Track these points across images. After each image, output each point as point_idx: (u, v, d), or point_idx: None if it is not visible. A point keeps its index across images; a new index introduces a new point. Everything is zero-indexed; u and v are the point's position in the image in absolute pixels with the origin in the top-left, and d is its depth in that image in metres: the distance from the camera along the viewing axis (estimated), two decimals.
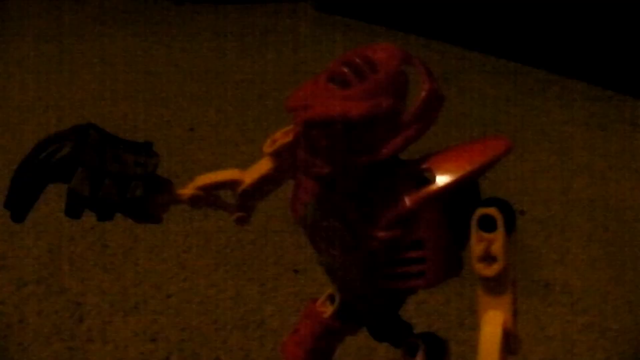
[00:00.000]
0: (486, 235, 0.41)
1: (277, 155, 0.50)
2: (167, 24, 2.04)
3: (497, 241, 0.40)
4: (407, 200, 0.41)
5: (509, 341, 0.42)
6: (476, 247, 0.41)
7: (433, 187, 0.41)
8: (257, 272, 0.92)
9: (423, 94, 0.41)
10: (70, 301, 0.86)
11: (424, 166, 0.42)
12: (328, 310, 0.52)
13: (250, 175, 0.53)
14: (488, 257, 0.41)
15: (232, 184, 0.53)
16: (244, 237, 0.98)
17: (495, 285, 0.41)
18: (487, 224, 0.41)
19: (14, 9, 2.17)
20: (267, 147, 0.50)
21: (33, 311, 0.84)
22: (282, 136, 0.49)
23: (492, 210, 0.40)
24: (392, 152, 0.40)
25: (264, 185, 0.53)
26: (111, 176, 0.50)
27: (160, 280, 0.90)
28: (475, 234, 0.41)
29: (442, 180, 0.41)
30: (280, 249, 0.96)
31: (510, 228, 0.41)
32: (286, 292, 0.88)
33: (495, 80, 1.66)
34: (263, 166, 0.52)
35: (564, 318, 0.86)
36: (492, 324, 0.41)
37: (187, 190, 0.54)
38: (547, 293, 0.90)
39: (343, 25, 2.07)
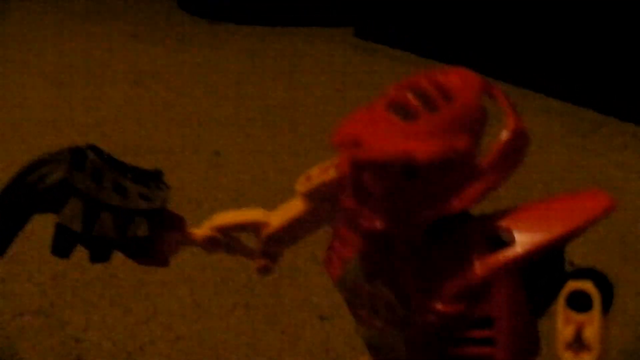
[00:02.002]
0: (578, 316, 0.31)
1: (312, 196, 0.42)
2: (200, 43, 1.98)
3: (592, 325, 0.31)
4: (478, 267, 0.32)
5: None
6: (564, 330, 0.31)
7: (511, 252, 0.32)
8: (279, 316, 0.83)
9: (507, 134, 0.32)
10: (70, 337, 0.78)
11: (500, 224, 0.33)
12: None
13: (278, 218, 0.44)
14: (578, 344, 0.31)
15: (255, 227, 0.45)
16: (267, 276, 0.89)
17: None
18: (579, 302, 0.31)
19: (42, 20, 2.13)
20: (301, 186, 0.42)
21: (27, 345, 0.76)
22: (319, 173, 0.40)
23: (587, 285, 0.31)
24: (465, 205, 0.31)
25: (293, 231, 0.44)
26: (109, 209, 0.41)
27: (170, 319, 0.81)
28: (563, 313, 0.32)
29: (523, 244, 0.32)
30: (306, 291, 0.87)
31: (607, 307, 0.32)
32: (310, 342, 0.79)
33: (543, 119, 1.57)
34: (294, 208, 0.43)
35: None
36: None
37: (202, 231, 0.45)
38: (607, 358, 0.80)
39: (383, 54, 1.99)
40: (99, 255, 0.43)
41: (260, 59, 1.87)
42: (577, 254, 1.01)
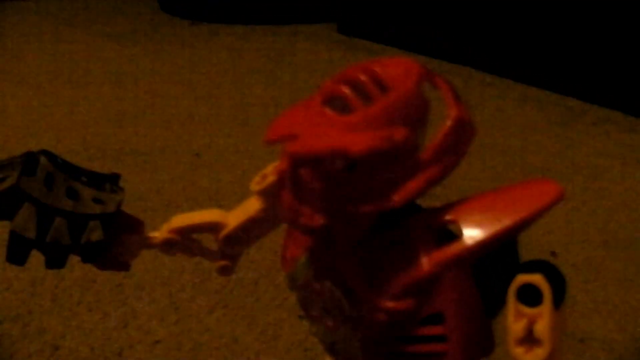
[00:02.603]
0: (528, 310, 0.31)
1: (267, 194, 0.41)
2: (181, 44, 1.97)
3: (543, 319, 0.30)
4: (425, 262, 0.31)
5: None
6: (515, 325, 0.31)
7: (459, 245, 0.31)
8: (258, 316, 0.82)
9: (448, 123, 0.31)
10: (48, 343, 0.77)
11: (447, 217, 0.32)
12: None
13: (235, 218, 0.44)
14: (530, 339, 0.31)
15: (213, 228, 0.44)
16: (246, 276, 0.89)
17: None
18: (530, 296, 0.31)
19: (21, 22, 2.12)
20: (256, 185, 0.41)
21: (5, 353, 0.76)
22: (274, 171, 0.40)
23: (536, 278, 0.30)
24: (406, 199, 0.30)
25: (251, 230, 0.43)
26: (63, 214, 0.40)
27: (149, 323, 0.81)
28: (513, 308, 0.31)
29: (471, 236, 0.31)
30: (285, 291, 0.86)
31: (559, 301, 0.31)
32: (288, 341, 0.78)
33: (524, 108, 1.56)
34: (250, 207, 0.43)
35: None
36: None
37: (160, 234, 0.45)
38: (584, 349, 0.80)
39: (365, 49, 1.98)
40: (55, 261, 0.42)
41: (241, 58, 1.87)
42: (558, 243, 1.01)
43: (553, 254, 0.98)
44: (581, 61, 1.58)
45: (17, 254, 0.41)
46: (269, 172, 0.41)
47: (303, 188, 0.31)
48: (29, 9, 2.32)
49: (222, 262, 0.45)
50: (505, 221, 0.31)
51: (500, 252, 0.32)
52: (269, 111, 1.48)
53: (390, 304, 0.32)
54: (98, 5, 2.42)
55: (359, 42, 2.05)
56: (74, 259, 0.49)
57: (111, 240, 0.42)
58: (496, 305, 0.32)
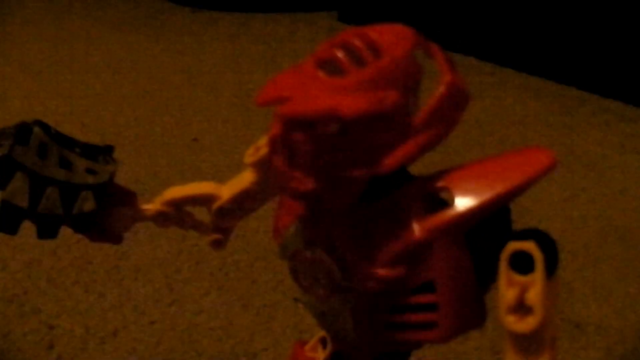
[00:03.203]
0: (520, 278, 0.30)
1: (260, 166, 0.41)
2: (182, 31, 1.97)
3: (535, 286, 0.30)
4: (416, 229, 0.31)
5: None
6: (506, 293, 0.30)
7: (451, 212, 0.31)
8: (253, 298, 0.82)
9: (441, 89, 0.31)
10: (43, 323, 0.77)
11: (439, 184, 0.32)
12: (319, 357, 0.42)
13: (228, 190, 0.43)
14: (521, 307, 0.30)
15: (206, 200, 0.44)
16: (241, 258, 0.89)
17: (529, 345, 0.31)
18: (522, 264, 0.30)
19: (22, 9, 2.11)
20: (249, 157, 0.41)
21: (0, 333, 0.76)
22: (270, 133, 0.40)
23: (529, 245, 0.30)
24: (397, 164, 0.30)
25: (244, 202, 0.43)
26: (55, 184, 0.40)
27: (144, 304, 0.81)
28: (505, 275, 0.31)
29: (463, 203, 0.31)
30: (280, 273, 0.86)
31: (552, 269, 0.31)
32: (284, 323, 0.78)
33: (524, 97, 1.56)
34: (243, 179, 0.43)
35: None
36: None
37: (153, 206, 0.45)
38: (579, 334, 0.80)
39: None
40: (47, 230, 0.42)
41: (241, 45, 1.86)
42: (556, 230, 1.01)
43: None
44: (581, 50, 1.58)
45: (9, 223, 0.41)
46: (262, 145, 0.40)
47: (295, 152, 0.31)
48: None
49: (215, 236, 0.45)
50: (498, 188, 0.31)
51: (492, 220, 0.32)
52: None
53: (381, 272, 0.32)
54: None
55: None
56: (70, 237, 0.49)
57: (103, 210, 0.42)
58: (489, 275, 0.32)
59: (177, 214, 0.45)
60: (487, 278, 0.33)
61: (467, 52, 1.79)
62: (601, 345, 0.78)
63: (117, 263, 0.88)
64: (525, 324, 0.30)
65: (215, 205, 0.44)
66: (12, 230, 0.41)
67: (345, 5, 2.13)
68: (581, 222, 1.04)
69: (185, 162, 1.16)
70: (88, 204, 0.41)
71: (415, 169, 0.36)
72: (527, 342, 0.31)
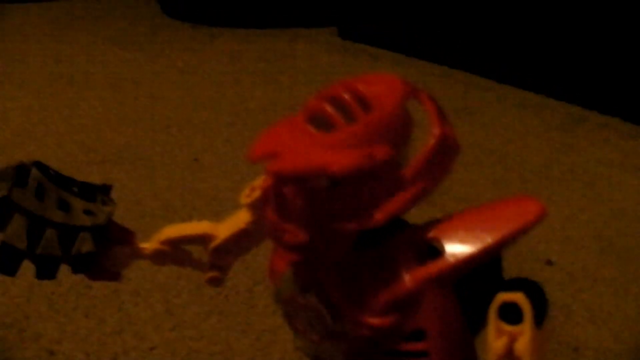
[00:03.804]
0: (509, 328, 0.31)
1: (255, 206, 0.41)
2: (182, 47, 1.98)
3: (523, 337, 0.31)
4: (407, 279, 0.32)
5: None
6: (496, 343, 0.31)
7: (441, 263, 0.32)
8: (253, 323, 0.83)
9: (431, 141, 0.31)
10: (43, 349, 0.78)
11: (430, 234, 0.32)
12: None
13: (224, 230, 0.44)
14: (510, 357, 0.31)
15: (203, 239, 0.44)
16: (241, 282, 0.89)
17: None
18: (511, 314, 0.31)
19: (23, 26, 2.12)
20: (245, 197, 0.42)
21: (1, 358, 0.76)
22: (262, 184, 0.40)
23: (517, 297, 0.31)
24: (387, 218, 0.31)
25: (240, 242, 0.44)
26: (53, 226, 0.41)
27: (144, 328, 0.81)
28: (494, 325, 0.31)
29: (453, 254, 0.31)
30: None
31: (541, 319, 0.31)
32: (283, 348, 0.79)
33: (522, 114, 1.57)
34: (239, 219, 0.43)
35: None
36: None
37: (151, 244, 0.45)
38: (577, 358, 0.80)
39: (365, 53, 1.99)
40: (46, 271, 0.42)
41: (241, 61, 1.87)
42: (554, 251, 1.01)
43: (549, 262, 0.98)
44: (581, 67, 1.59)
45: (8, 265, 0.41)
46: (258, 185, 0.41)
47: (286, 205, 0.32)
48: (30, 11, 2.33)
49: (212, 273, 0.46)
50: (487, 239, 0.31)
51: (483, 269, 0.33)
52: (269, 116, 1.49)
53: (372, 320, 0.32)
54: (99, 8, 2.43)
55: (359, 47, 2.06)
56: (66, 268, 0.49)
57: (102, 251, 0.43)
58: (479, 322, 0.32)
59: (175, 253, 0.45)
60: (477, 324, 0.33)
61: (467, 68, 1.80)
62: None
63: (117, 287, 0.88)
64: None
65: (212, 244, 0.44)
66: (12, 271, 0.42)
67: (345, 21, 2.14)
68: (580, 242, 1.05)
69: (185, 183, 1.17)
70: (86, 245, 0.42)
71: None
72: None
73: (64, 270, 0.91)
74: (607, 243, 1.05)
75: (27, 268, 0.90)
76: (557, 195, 1.18)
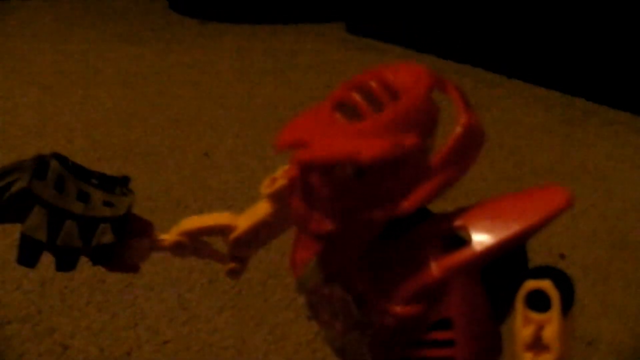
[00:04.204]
0: (537, 316, 0.31)
1: (276, 198, 0.41)
2: (190, 43, 1.98)
3: (551, 324, 0.30)
4: (434, 268, 0.32)
5: None
6: (523, 331, 0.31)
7: (467, 251, 0.31)
8: (266, 317, 0.82)
9: (458, 129, 0.31)
10: (57, 343, 0.78)
11: (457, 223, 0.32)
12: None
13: (244, 221, 0.44)
14: (538, 345, 0.31)
15: (223, 230, 0.44)
16: (254, 276, 0.89)
17: None
18: (538, 302, 0.31)
19: (32, 23, 2.12)
20: (266, 188, 0.41)
21: (14, 353, 0.76)
22: (283, 175, 0.40)
23: (545, 284, 0.30)
24: (415, 205, 0.30)
25: (260, 233, 0.44)
26: (73, 217, 0.40)
27: (157, 323, 0.81)
28: (522, 314, 0.31)
29: (480, 243, 0.31)
30: (292, 291, 0.86)
31: (568, 307, 0.31)
32: (297, 341, 0.78)
33: (533, 109, 1.56)
34: (260, 210, 0.43)
35: None
36: None
37: (170, 236, 0.45)
38: (592, 352, 0.80)
39: (374, 48, 1.98)
40: (65, 263, 0.42)
41: (250, 57, 1.87)
42: (566, 245, 1.01)
43: (562, 256, 0.98)
44: (590, 61, 1.58)
45: (28, 257, 0.41)
46: (279, 176, 0.41)
47: (313, 194, 0.31)
48: (39, 8, 2.34)
49: (232, 265, 0.46)
50: (514, 228, 0.31)
51: (509, 257, 0.32)
52: (278, 111, 1.49)
53: (399, 309, 0.32)
54: (107, 5, 2.43)
55: (368, 42, 2.06)
56: (83, 259, 0.50)
57: (121, 243, 0.43)
58: (505, 310, 0.32)
59: (194, 244, 0.45)
60: (503, 313, 0.33)
61: (476, 63, 1.79)
62: None
63: (131, 282, 0.88)
64: None
65: (232, 235, 0.44)
66: (32, 263, 0.42)
67: (353, 16, 2.14)
68: (592, 237, 1.04)
69: (196, 178, 1.17)
70: (106, 236, 0.41)
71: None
72: None
73: (77, 265, 0.92)
74: (620, 237, 1.04)
75: (41, 263, 0.90)
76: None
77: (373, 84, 0.31)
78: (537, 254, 0.97)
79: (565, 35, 1.62)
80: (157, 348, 0.77)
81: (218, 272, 0.89)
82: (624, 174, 1.26)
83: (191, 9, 2.26)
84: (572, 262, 0.97)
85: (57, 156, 0.43)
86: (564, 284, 0.31)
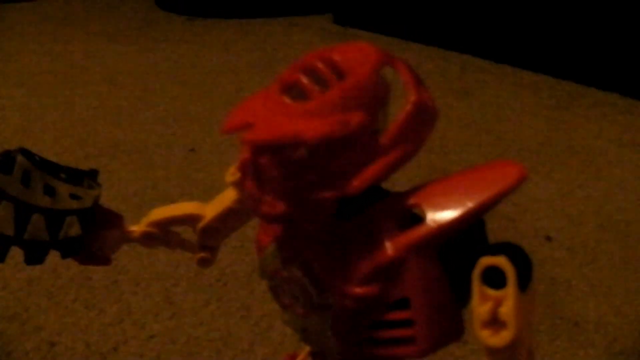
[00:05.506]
0: (493, 292, 0.31)
1: (241, 185, 0.41)
2: (177, 40, 1.97)
3: (507, 301, 0.30)
4: (389, 247, 0.31)
5: None
6: (480, 308, 0.31)
7: (422, 229, 0.31)
8: (251, 309, 0.83)
9: (408, 107, 0.31)
10: (44, 341, 0.78)
11: (411, 201, 0.32)
12: None
13: (212, 210, 0.44)
14: (496, 322, 0.31)
15: (190, 220, 0.44)
16: (239, 269, 0.89)
17: (505, 358, 0.31)
18: (495, 278, 0.31)
19: (18, 24, 2.12)
20: (230, 176, 0.41)
21: (2, 351, 0.76)
22: (239, 157, 0.40)
23: (500, 261, 0.30)
24: (364, 185, 0.30)
25: (227, 220, 0.44)
26: (40, 211, 0.40)
27: (144, 318, 0.81)
28: (478, 290, 0.31)
29: (434, 220, 0.31)
30: None
31: (525, 283, 0.31)
32: (281, 333, 0.79)
33: (520, 93, 1.56)
34: (226, 198, 0.43)
35: None
36: None
37: (139, 227, 0.45)
38: (578, 332, 0.80)
39: (362, 39, 1.98)
40: (34, 257, 0.42)
41: (237, 52, 1.87)
42: (553, 227, 1.01)
43: (548, 238, 0.98)
44: (578, 44, 1.58)
45: None
46: None
47: (264, 176, 0.31)
48: (24, 10, 2.33)
49: (202, 254, 0.46)
50: (469, 203, 0.31)
51: (467, 235, 0.32)
52: None
53: (356, 290, 0.32)
54: (92, 4, 2.43)
55: (356, 33, 2.05)
56: (64, 259, 0.49)
57: (89, 235, 0.43)
58: (467, 290, 0.32)
59: (163, 235, 0.45)
60: (464, 293, 0.33)
61: (464, 49, 1.79)
62: (600, 343, 0.78)
63: (117, 278, 0.88)
64: (499, 339, 0.31)
65: (200, 224, 0.44)
66: (0, 258, 0.42)
67: (340, 7, 2.13)
68: (579, 218, 1.04)
69: (183, 174, 1.17)
70: (74, 229, 0.42)
71: (413, 173, 0.36)
72: (502, 355, 0.31)
73: (63, 263, 0.92)
74: (606, 218, 1.05)
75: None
76: (555, 172, 1.18)
77: (319, 64, 0.31)
78: (524, 237, 0.98)
79: (552, 19, 1.62)
80: (144, 343, 0.77)
81: None
82: (612, 155, 1.26)
83: (177, 6, 2.26)
84: (559, 244, 0.97)
85: (24, 151, 0.43)
86: (521, 260, 0.31)
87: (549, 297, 0.85)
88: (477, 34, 1.78)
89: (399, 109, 0.32)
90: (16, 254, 0.45)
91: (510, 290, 0.30)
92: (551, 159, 1.23)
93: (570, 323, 0.81)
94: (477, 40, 1.78)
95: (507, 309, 0.30)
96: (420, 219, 0.32)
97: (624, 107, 1.48)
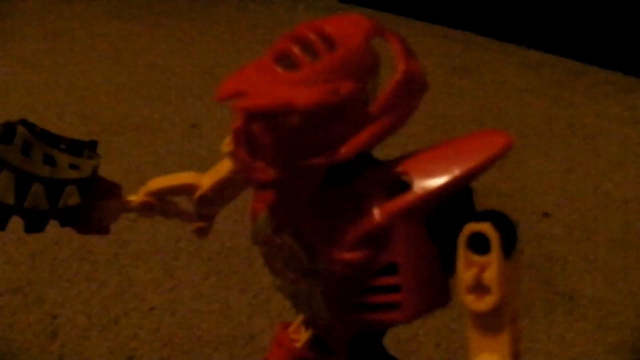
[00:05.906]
0: (478, 258, 0.32)
1: (235, 153, 0.42)
2: (179, 17, 1.97)
3: (491, 266, 0.31)
4: (377, 213, 0.32)
5: None
6: (465, 273, 0.32)
7: (410, 196, 0.32)
8: (250, 282, 0.84)
9: (396, 76, 0.32)
10: (46, 313, 0.79)
11: (399, 169, 0.33)
12: (301, 338, 0.43)
13: (208, 179, 0.45)
14: (480, 287, 0.32)
15: (187, 189, 0.45)
16: (239, 243, 0.90)
17: (489, 322, 0.32)
18: (479, 244, 0.31)
19: (21, 2, 2.12)
20: (226, 146, 0.42)
21: (5, 324, 0.77)
22: (232, 125, 0.41)
23: (484, 227, 0.31)
24: (353, 152, 0.31)
25: (224, 190, 0.44)
26: (40, 180, 0.41)
27: (144, 290, 0.82)
28: (463, 256, 0.32)
29: (422, 187, 0.32)
30: None
31: (510, 249, 0.32)
32: (280, 305, 0.80)
33: (520, 71, 1.56)
34: (222, 168, 0.44)
35: (592, 336, 0.76)
36: None
37: (137, 197, 0.46)
38: (573, 307, 0.81)
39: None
40: (34, 225, 0.43)
41: (240, 29, 1.87)
42: (552, 204, 1.02)
43: (546, 214, 0.99)
44: (581, 23, 1.58)
45: None
46: None
47: (256, 144, 0.32)
48: None
49: (198, 224, 0.47)
50: (455, 171, 0.32)
51: (454, 203, 0.33)
52: None
53: (345, 256, 0.33)
54: None
55: (359, 10, 2.05)
56: (71, 229, 0.50)
57: (88, 204, 0.44)
58: (454, 258, 0.33)
59: (161, 204, 0.46)
60: (452, 261, 0.33)
61: (467, 27, 1.79)
62: (594, 317, 0.79)
63: (118, 251, 0.89)
64: (483, 303, 0.31)
65: (197, 194, 0.45)
66: (0, 226, 0.43)
67: None
68: (577, 196, 1.05)
69: (184, 149, 1.17)
70: (73, 198, 0.42)
71: (412, 146, 0.37)
72: (487, 320, 0.32)
73: (65, 237, 0.92)
74: (604, 195, 1.05)
75: (31, 236, 0.92)
76: (556, 150, 1.19)
77: (311, 35, 0.32)
78: (522, 213, 0.98)
79: None
80: (144, 315, 0.78)
81: (204, 240, 0.90)
82: (612, 133, 1.26)
83: None
84: (557, 220, 0.98)
85: (24, 122, 0.44)
86: (506, 226, 0.32)
87: (545, 272, 0.86)
88: (479, 12, 1.78)
89: (389, 79, 0.33)
90: (19, 228, 0.46)
91: (494, 255, 0.31)
92: (552, 136, 1.24)
93: (565, 298, 0.82)
94: (480, 18, 1.77)
95: (491, 274, 0.31)
96: (408, 186, 0.33)
97: (625, 85, 1.48)
